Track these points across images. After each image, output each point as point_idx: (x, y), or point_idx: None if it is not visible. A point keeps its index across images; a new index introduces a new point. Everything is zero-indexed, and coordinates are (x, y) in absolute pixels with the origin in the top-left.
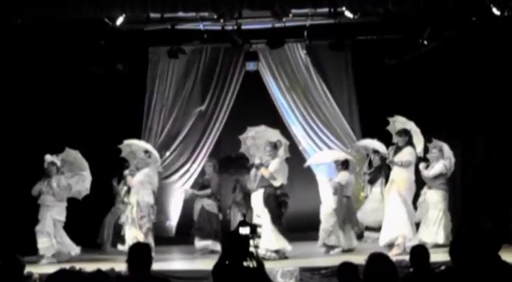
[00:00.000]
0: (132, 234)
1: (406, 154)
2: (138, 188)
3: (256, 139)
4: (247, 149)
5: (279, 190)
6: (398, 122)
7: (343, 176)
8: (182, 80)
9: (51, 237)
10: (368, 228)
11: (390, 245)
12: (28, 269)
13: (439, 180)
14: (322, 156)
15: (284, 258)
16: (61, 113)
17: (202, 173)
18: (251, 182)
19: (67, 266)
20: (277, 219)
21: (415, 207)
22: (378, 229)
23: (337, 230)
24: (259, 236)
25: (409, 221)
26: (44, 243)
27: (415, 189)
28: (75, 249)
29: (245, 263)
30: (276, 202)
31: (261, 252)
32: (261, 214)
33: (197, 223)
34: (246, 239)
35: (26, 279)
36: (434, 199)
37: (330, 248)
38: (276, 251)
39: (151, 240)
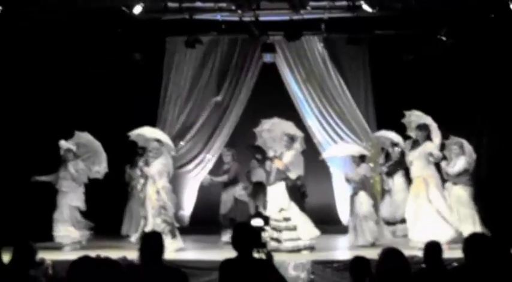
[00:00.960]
0: (159, 224)
1: (433, 148)
2: (156, 178)
3: (272, 132)
4: (264, 142)
5: (298, 181)
6: (415, 116)
7: (366, 169)
8: (199, 71)
9: (68, 226)
10: (393, 223)
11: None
12: (44, 255)
13: (464, 177)
14: (338, 150)
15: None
16: (78, 102)
17: (221, 162)
18: (267, 174)
19: (89, 253)
20: (304, 210)
21: None
22: (403, 221)
23: (378, 225)
24: (266, 229)
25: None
26: (59, 231)
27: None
28: (84, 235)
29: (256, 255)
30: (299, 193)
31: (302, 243)
32: (286, 207)
33: (226, 215)
34: (258, 230)
35: (38, 265)
36: (463, 196)
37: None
38: (311, 246)
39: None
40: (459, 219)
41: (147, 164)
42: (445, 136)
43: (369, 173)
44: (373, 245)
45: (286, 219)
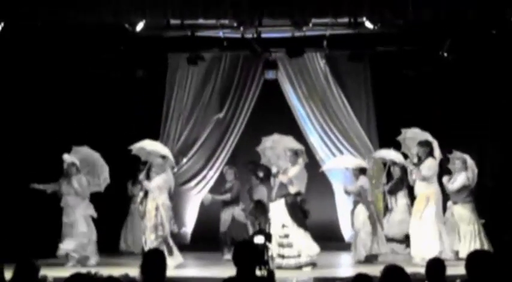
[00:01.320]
0: (152, 240)
1: (431, 166)
2: (156, 194)
3: (275, 149)
4: (268, 160)
5: (298, 197)
6: (411, 133)
7: (364, 180)
8: (201, 87)
9: (82, 239)
10: (392, 240)
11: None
12: (45, 272)
13: (463, 194)
14: (336, 162)
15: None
16: (80, 117)
17: (223, 180)
18: (269, 191)
19: (85, 270)
20: (305, 226)
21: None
22: (402, 241)
23: (374, 237)
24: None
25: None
26: (69, 245)
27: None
28: (95, 258)
29: (258, 272)
30: (300, 210)
31: (303, 260)
32: (287, 224)
33: (227, 233)
34: (260, 247)
35: None
36: (464, 214)
37: (373, 257)
38: (313, 263)
39: (171, 243)
40: (459, 237)
41: (148, 178)
42: (448, 151)
43: (367, 185)
44: (367, 259)
45: (286, 236)
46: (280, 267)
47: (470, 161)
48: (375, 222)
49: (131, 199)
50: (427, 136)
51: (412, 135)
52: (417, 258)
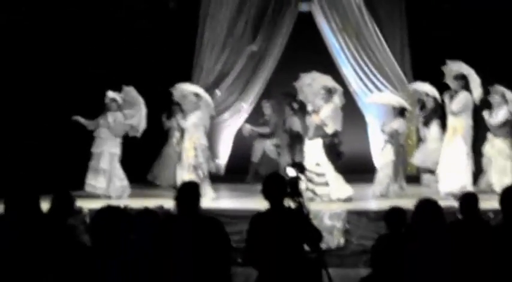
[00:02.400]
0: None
1: (462, 100)
2: (192, 131)
3: (312, 86)
4: (306, 97)
5: (336, 139)
6: (457, 66)
7: (400, 124)
8: (234, 18)
9: (105, 176)
10: (425, 171)
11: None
12: (81, 203)
13: (506, 128)
14: (381, 97)
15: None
16: (116, 52)
17: (259, 112)
18: (305, 128)
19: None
20: (339, 168)
21: (479, 154)
22: (434, 172)
23: (392, 182)
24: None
25: (470, 171)
26: (98, 182)
27: (472, 135)
28: (126, 191)
29: (292, 204)
30: (335, 151)
31: (334, 197)
32: (322, 163)
33: (256, 165)
34: (293, 180)
35: (76, 214)
36: (502, 147)
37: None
38: (347, 199)
39: (207, 184)
40: (495, 171)
41: (184, 117)
42: (488, 85)
43: (401, 129)
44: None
45: (320, 175)
46: (313, 201)
47: (510, 95)
48: (398, 168)
49: (167, 133)
50: (469, 70)
51: (457, 68)
52: (443, 193)
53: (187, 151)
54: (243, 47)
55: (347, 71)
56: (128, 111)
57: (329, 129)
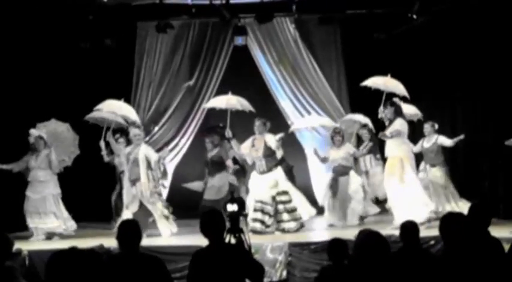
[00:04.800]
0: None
1: (396, 125)
2: (144, 163)
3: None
4: None
5: (287, 161)
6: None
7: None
8: (170, 55)
9: (52, 217)
10: (380, 202)
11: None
12: (19, 245)
13: (441, 157)
14: (306, 121)
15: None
16: (49, 88)
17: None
18: (252, 165)
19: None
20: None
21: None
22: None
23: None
24: (245, 214)
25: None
26: (53, 223)
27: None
28: (72, 225)
29: (232, 240)
30: (291, 174)
31: (303, 220)
32: (288, 189)
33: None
34: (233, 215)
35: (15, 256)
36: (440, 176)
37: (364, 218)
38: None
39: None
40: (437, 200)
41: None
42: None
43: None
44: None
45: (287, 202)
46: (263, 233)
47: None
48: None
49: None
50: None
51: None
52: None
53: (145, 183)
54: (180, 82)
55: (284, 103)
56: (54, 145)
57: (279, 154)
